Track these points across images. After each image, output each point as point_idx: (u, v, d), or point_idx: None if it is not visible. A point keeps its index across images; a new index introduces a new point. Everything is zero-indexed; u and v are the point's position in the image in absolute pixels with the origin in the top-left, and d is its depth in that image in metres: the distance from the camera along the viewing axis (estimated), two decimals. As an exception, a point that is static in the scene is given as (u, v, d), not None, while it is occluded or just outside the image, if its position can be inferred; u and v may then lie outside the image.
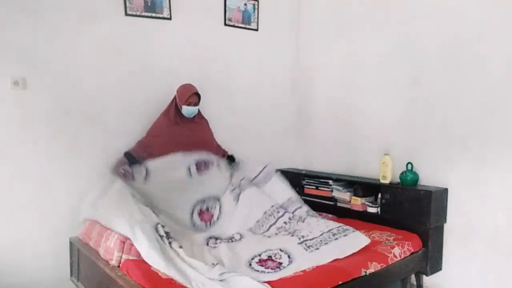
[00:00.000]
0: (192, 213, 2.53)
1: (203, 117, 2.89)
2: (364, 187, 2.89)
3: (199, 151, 2.70)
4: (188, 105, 2.69)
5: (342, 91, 3.29)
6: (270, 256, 2.11)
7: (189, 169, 2.62)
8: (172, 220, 2.45)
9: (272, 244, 2.26)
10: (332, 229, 2.35)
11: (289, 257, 2.09)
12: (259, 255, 2.13)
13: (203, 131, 2.87)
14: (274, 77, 3.55)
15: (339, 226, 2.37)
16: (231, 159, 2.97)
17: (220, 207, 2.60)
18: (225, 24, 3.21)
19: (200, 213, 2.56)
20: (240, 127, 3.29)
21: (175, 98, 2.73)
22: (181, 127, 2.72)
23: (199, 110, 2.80)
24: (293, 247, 2.17)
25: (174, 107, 2.72)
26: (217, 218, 2.56)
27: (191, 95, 2.68)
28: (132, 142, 2.74)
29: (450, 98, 2.58)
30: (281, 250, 2.16)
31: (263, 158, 3.43)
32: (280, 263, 2.03)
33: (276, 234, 2.46)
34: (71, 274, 2.44)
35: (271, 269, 1.97)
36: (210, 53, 3.15)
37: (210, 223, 2.55)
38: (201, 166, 2.67)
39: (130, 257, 1.98)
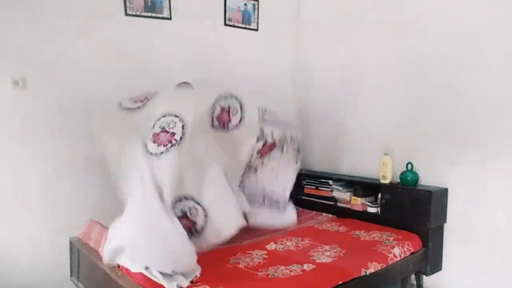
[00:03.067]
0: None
1: None
2: (364, 187, 2.89)
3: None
4: None
5: (342, 91, 3.29)
6: (185, 213, 2.09)
7: (212, 119, 2.29)
8: None
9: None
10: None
11: (205, 216, 2.08)
12: (180, 201, 2.08)
13: None
14: (274, 77, 3.55)
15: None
16: None
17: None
18: (225, 24, 3.22)
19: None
20: (240, 127, 3.29)
21: None
22: None
23: None
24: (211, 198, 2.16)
25: None
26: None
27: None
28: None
29: (450, 98, 2.58)
30: (198, 203, 2.12)
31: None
32: (195, 223, 2.08)
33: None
34: (71, 274, 2.44)
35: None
36: (210, 53, 3.15)
37: None
38: (223, 119, 2.34)
39: (130, 257, 1.98)
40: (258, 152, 2.53)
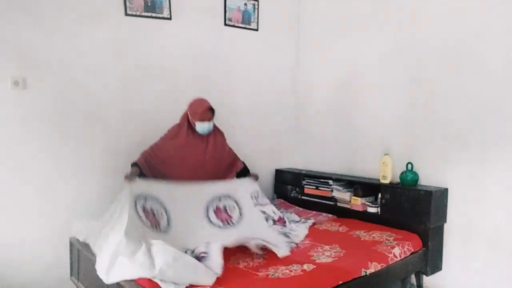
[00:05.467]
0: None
1: (218, 131, 2.69)
2: (364, 187, 2.89)
3: (215, 181, 2.59)
4: (202, 121, 2.49)
5: (342, 91, 3.29)
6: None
7: (208, 217, 2.46)
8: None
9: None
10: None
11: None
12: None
13: (218, 147, 2.66)
14: (274, 77, 3.55)
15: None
16: (245, 171, 2.80)
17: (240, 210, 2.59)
18: (225, 24, 3.22)
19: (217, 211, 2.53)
20: (240, 127, 3.29)
21: (187, 114, 2.54)
22: (195, 145, 2.55)
23: (214, 124, 2.59)
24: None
25: (187, 125, 2.54)
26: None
27: (204, 110, 2.47)
28: (132, 142, 2.75)
29: (450, 98, 2.58)
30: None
31: (263, 158, 3.45)
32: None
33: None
34: (71, 274, 2.44)
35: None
36: (210, 53, 3.15)
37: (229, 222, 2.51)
38: (221, 214, 2.52)
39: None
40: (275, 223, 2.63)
